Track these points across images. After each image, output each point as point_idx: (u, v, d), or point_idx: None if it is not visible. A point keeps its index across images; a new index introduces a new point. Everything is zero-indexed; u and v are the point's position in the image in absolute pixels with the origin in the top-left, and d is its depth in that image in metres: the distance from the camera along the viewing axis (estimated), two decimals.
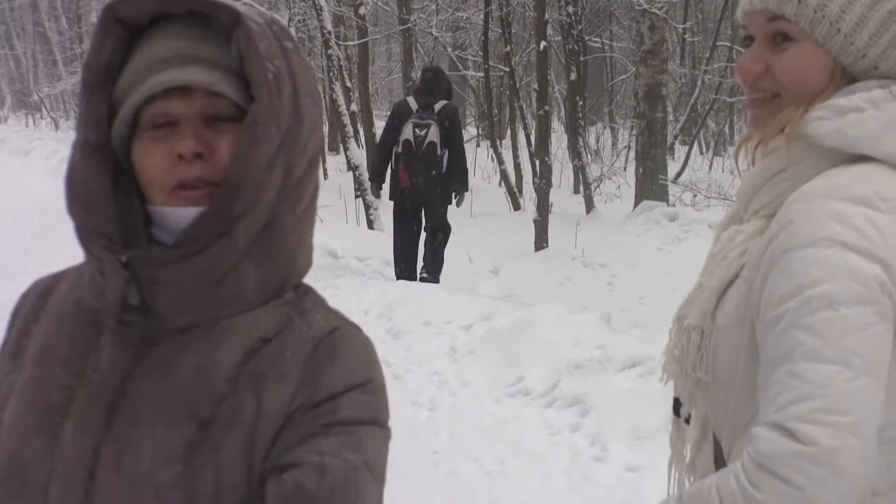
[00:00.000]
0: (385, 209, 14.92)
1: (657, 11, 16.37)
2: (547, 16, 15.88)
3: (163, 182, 1.51)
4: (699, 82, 25.26)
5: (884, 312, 1.75)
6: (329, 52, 17.58)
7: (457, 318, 8.80)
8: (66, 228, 1.56)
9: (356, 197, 16.92)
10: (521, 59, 28.18)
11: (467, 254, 13.64)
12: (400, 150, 11.34)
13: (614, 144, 29.50)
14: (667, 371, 2.23)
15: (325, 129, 23.71)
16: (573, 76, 21.18)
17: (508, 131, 26.31)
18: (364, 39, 23.81)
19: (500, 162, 21.31)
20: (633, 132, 19.85)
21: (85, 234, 1.54)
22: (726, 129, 31.38)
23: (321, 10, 16.46)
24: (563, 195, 21.38)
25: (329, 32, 17.27)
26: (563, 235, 15.23)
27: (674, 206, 17.01)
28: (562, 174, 23.39)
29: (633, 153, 20.42)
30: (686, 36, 29.47)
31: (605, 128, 31.71)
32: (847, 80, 1.96)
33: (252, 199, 1.49)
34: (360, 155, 16.69)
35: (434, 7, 25.01)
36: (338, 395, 1.53)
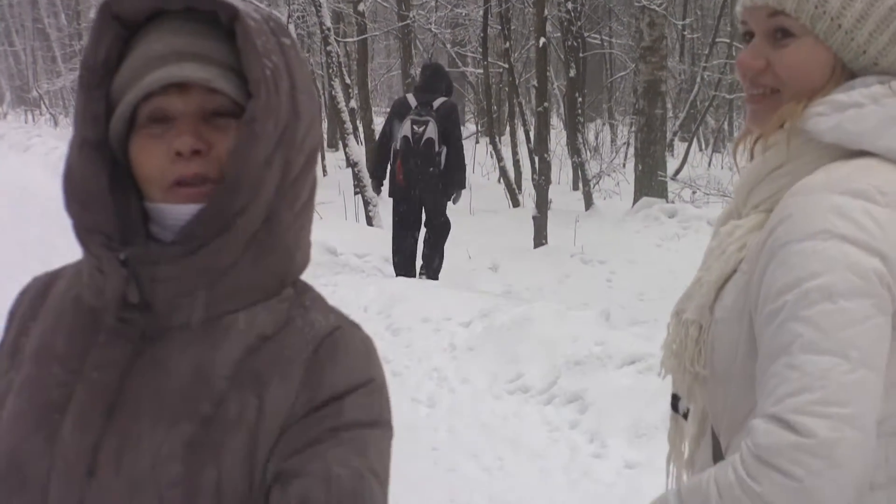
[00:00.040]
0: (384, 206, 14.92)
1: (656, 8, 16.35)
2: (546, 12, 15.88)
3: (161, 179, 1.50)
4: (698, 79, 25.25)
5: (882, 305, 1.75)
6: (328, 48, 17.58)
7: (456, 314, 8.80)
8: (65, 225, 1.55)
9: (355, 193, 16.93)
10: (521, 56, 28.16)
11: (466, 250, 13.64)
12: (398, 146, 11.35)
13: (613, 141, 29.49)
14: (665, 365, 2.24)
15: (325, 125, 23.72)
16: (572, 73, 21.16)
17: (507, 128, 26.30)
18: (363, 36, 23.84)
19: (500, 158, 21.31)
20: (633, 129, 19.85)
21: (83, 232, 1.53)
22: (725, 126, 31.38)
23: (320, 6, 16.46)
24: (562, 192, 21.38)
25: (328, 29, 17.27)
26: (562, 232, 15.22)
27: (673, 202, 16.99)
28: (561, 171, 23.39)
29: (632, 150, 20.41)
30: (685, 32, 29.45)
31: (604, 124, 31.70)
32: (847, 76, 1.97)
33: (250, 195, 1.49)
34: (359, 151, 16.69)
35: (433, 3, 25.07)
36: (340, 396, 1.53)
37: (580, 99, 22.10)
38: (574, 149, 20.90)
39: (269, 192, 1.52)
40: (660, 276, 11.55)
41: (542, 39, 15.77)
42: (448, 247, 12.03)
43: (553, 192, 16.84)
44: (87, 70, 1.55)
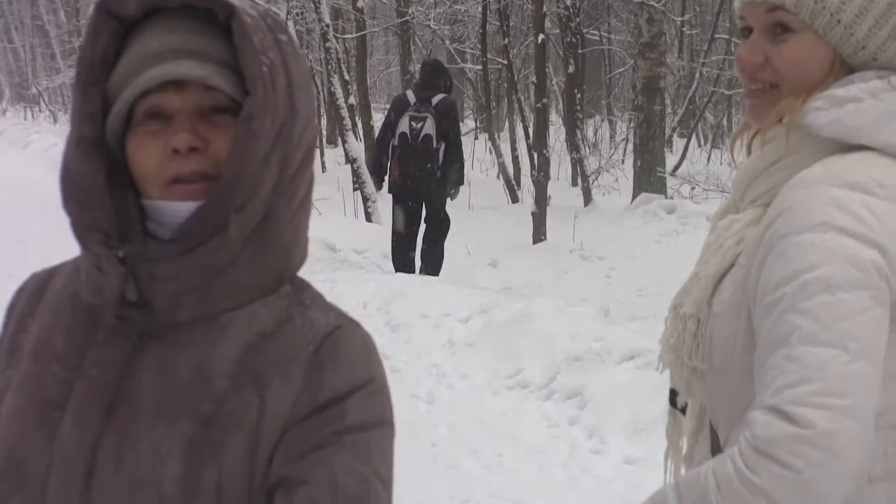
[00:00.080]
0: (383, 202, 14.93)
1: (655, 4, 16.35)
2: (545, 8, 15.88)
3: (158, 176, 1.50)
4: (697, 75, 25.24)
5: (881, 297, 1.76)
6: (327, 45, 17.59)
7: (455, 310, 8.80)
8: (64, 221, 1.55)
9: (354, 189, 16.93)
10: (519, 52, 28.14)
11: (465, 247, 13.64)
12: (396, 143, 11.36)
13: (612, 137, 29.46)
14: (663, 360, 2.24)
15: (324, 122, 23.73)
16: (571, 69, 21.17)
17: (506, 124, 26.30)
18: (362, 32, 23.82)
19: (499, 155, 21.31)
20: (631, 125, 19.85)
21: (81, 230, 1.53)
22: (724, 122, 31.35)
23: (319, 2, 16.45)
24: (561, 188, 21.38)
25: (327, 25, 17.27)
26: (561, 228, 15.22)
27: (672, 198, 17.00)
28: (560, 167, 23.39)
29: (631, 146, 20.44)
30: (684, 28, 29.42)
31: (603, 120, 31.68)
32: (846, 71, 1.97)
33: (249, 193, 1.49)
34: (358, 148, 16.69)
35: (432, 0, 25.00)
36: (342, 397, 1.53)
37: (579, 95, 22.10)
38: (573, 145, 20.91)
39: (267, 190, 1.52)
40: (659, 272, 11.55)
41: (541, 36, 15.76)
42: (447, 243, 12.03)
43: (552, 189, 16.83)
44: (83, 67, 1.54)
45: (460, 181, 11.84)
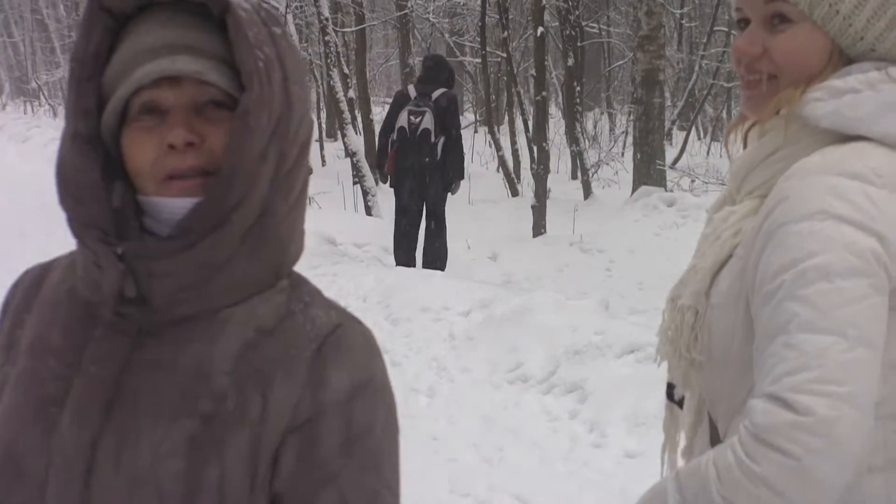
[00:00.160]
0: (383, 195, 14.94)
1: None
2: (544, 1, 15.84)
3: (154, 172, 1.50)
4: (696, 67, 25.28)
5: (879, 285, 1.76)
6: (326, 38, 17.59)
7: (455, 304, 8.80)
8: (63, 216, 1.55)
9: (354, 183, 16.94)
10: (519, 45, 28.16)
11: (465, 240, 13.64)
12: (395, 137, 11.38)
13: (612, 130, 29.47)
14: (661, 352, 2.24)
15: (323, 115, 23.71)
16: (570, 62, 21.17)
17: (506, 117, 26.27)
18: (361, 26, 23.85)
19: (498, 148, 21.29)
20: (631, 118, 19.83)
21: (79, 226, 1.52)
22: (724, 115, 31.35)
23: None
24: (560, 181, 21.39)
25: (326, 19, 17.26)
26: (561, 221, 15.23)
27: (672, 191, 16.98)
28: (559, 160, 23.40)
29: (630, 139, 20.40)
30: (683, 21, 29.45)
31: (602, 113, 31.70)
32: (844, 61, 1.97)
33: (246, 189, 1.48)
34: (357, 141, 16.70)
35: None
36: (346, 398, 1.53)
37: (578, 88, 22.12)
38: (572, 138, 20.91)
39: (264, 186, 1.51)
40: (659, 265, 11.53)
41: (541, 28, 15.76)
42: (447, 237, 12.03)
43: (552, 182, 16.84)
44: (77, 63, 1.54)
45: (461, 175, 11.85)
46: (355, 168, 16.03)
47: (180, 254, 1.48)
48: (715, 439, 2.10)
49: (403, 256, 11.80)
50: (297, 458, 1.50)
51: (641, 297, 10.72)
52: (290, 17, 17.53)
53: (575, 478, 5.83)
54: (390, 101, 12.18)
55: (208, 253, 1.49)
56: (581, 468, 5.94)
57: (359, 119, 22.45)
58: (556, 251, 13.58)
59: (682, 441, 2.34)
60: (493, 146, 22.18)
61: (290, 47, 1.58)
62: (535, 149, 16.65)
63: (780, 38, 1.97)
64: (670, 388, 2.31)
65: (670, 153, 21.05)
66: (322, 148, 25.98)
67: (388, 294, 9.46)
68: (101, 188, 1.51)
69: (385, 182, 11.93)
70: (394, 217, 11.99)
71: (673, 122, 26.28)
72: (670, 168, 18.74)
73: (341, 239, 12.77)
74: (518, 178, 21.19)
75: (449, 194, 11.88)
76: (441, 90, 11.40)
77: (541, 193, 15.21)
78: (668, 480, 1.89)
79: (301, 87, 1.58)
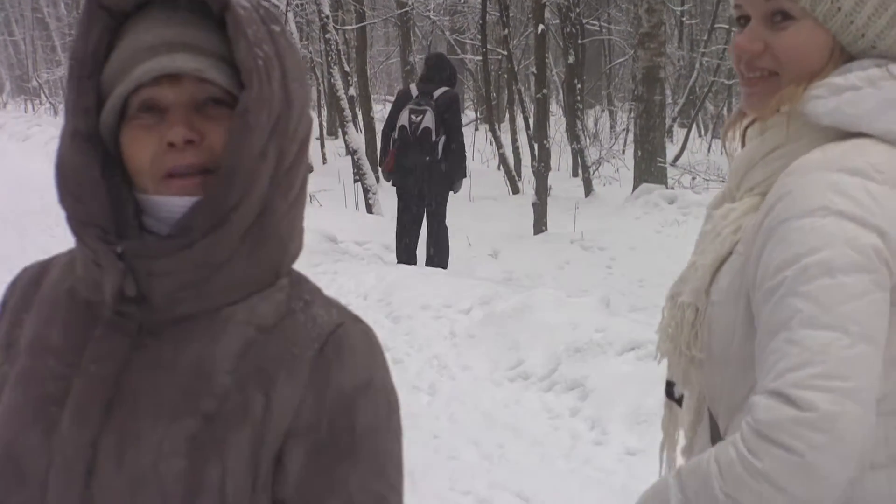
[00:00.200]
0: (384, 193, 14.96)
1: None
2: None
3: (153, 170, 1.49)
4: (697, 65, 25.29)
5: (881, 281, 1.75)
6: (327, 36, 17.60)
7: (456, 302, 8.79)
8: (63, 214, 1.55)
9: (355, 181, 16.96)
10: (520, 43, 28.17)
11: (466, 237, 13.64)
12: (396, 136, 11.41)
13: (613, 127, 29.50)
14: (661, 350, 2.24)
15: (324, 113, 23.71)
16: (571, 59, 21.18)
17: (507, 115, 26.33)
18: (362, 24, 23.86)
19: (499, 145, 21.31)
20: (632, 115, 19.85)
21: (78, 225, 1.52)
22: (725, 112, 31.33)
23: None
24: (561, 178, 21.41)
25: (327, 17, 17.29)
26: (561, 219, 15.24)
27: (673, 188, 17.02)
28: (560, 157, 23.40)
29: (631, 136, 20.44)
30: (684, 18, 29.44)
31: (603, 111, 31.71)
32: (845, 59, 1.96)
33: (246, 187, 1.48)
34: (358, 139, 16.71)
35: None
36: (349, 399, 1.53)
37: (579, 85, 22.12)
38: (573, 135, 20.93)
39: (263, 184, 1.51)
40: (660, 262, 11.54)
41: (541, 26, 15.77)
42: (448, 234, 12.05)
43: (552, 179, 16.86)
44: (76, 61, 1.53)
45: (463, 173, 11.86)
46: (356, 166, 16.05)
47: (180, 253, 1.48)
48: (716, 437, 2.10)
49: (405, 254, 11.81)
50: (304, 465, 1.50)
51: (642, 295, 10.73)
52: (290, 15, 17.54)
53: (576, 475, 5.83)
54: (391, 98, 12.26)
55: (208, 252, 1.49)
56: (582, 465, 5.94)
57: (360, 117, 22.47)
58: (556, 248, 13.59)
59: (682, 439, 2.33)
60: (493, 144, 22.20)
61: (288, 45, 1.57)
62: (535, 146, 16.68)
63: (781, 35, 1.97)
64: (669, 385, 2.31)
65: (671, 150, 21.06)
66: (323, 146, 26.00)
67: (388, 292, 9.45)
68: (100, 186, 1.50)
69: (388, 180, 11.94)
70: (396, 215, 12.00)
71: (674, 120, 26.30)
72: (671, 165, 18.75)
73: (342, 237, 12.78)
74: (519, 175, 21.21)
75: (451, 192, 11.88)
76: (443, 89, 11.41)
77: (542, 191, 15.22)
78: (669, 478, 1.89)
79: (300, 85, 1.58)
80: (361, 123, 22.92)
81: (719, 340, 2.02)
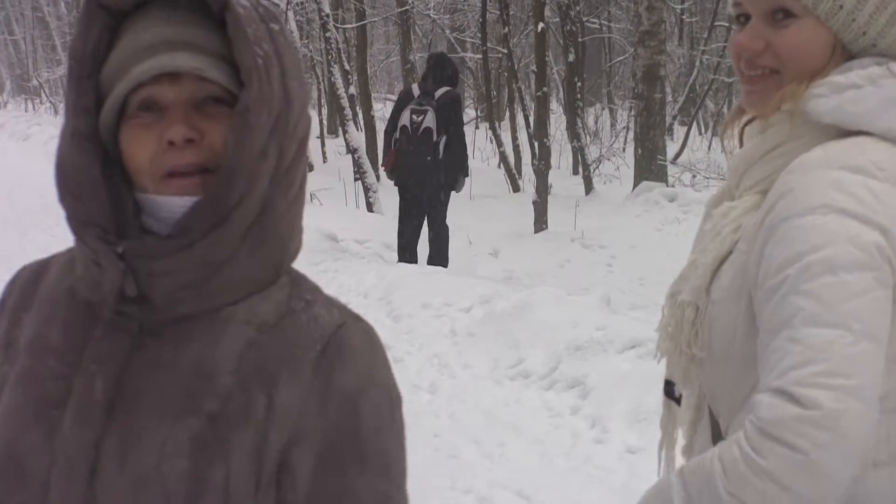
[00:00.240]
0: (384, 192, 14.96)
1: None
2: None
3: (152, 169, 1.49)
4: (697, 63, 25.29)
5: (883, 279, 1.75)
6: (327, 35, 17.61)
7: (456, 300, 8.80)
8: (63, 214, 1.55)
9: (355, 180, 16.96)
10: (520, 41, 28.16)
11: (467, 236, 13.65)
12: (398, 136, 11.43)
13: (613, 125, 29.51)
14: (661, 348, 2.24)
15: (325, 112, 23.72)
16: (571, 57, 21.17)
17: (507, 113, 26.34)
18: (362, 22, 23.87)
19: (499, 144, 21.31)
20: (632, 113, 19.84)
21: (78, 225, 1.51)
22: (725, 110, 31.29)
23: None
24: (562, 176, 21.40)
25: (327, 15, 17.29)
26: (562, 217, 15.24)
27: (673, 186, 17.01)
28: (561, 155, 23.39)
29: (631, 134, 20.44)
30: (684, 16, 29.46)
31: (603, 109, 31.73)
32: (846, 57, 1.97)
33: (246, 186, 1.48)
34: (358, 138, 16.73)
35: None
36: (352, 401, 1.53)
37: (579, 83, 22.13)
38: (574, 133, 20.93)
39: (264, 183, 1.50)
40: (660, 260, 11.54)
41: (541, 24, 15.77)
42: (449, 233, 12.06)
43: (553, 177, 16.86)
44: (75, 61, 1.53)
45: (465, 172, 11.87)
46: (356, 164, 16.05)
47: (181, 252, 1.47)
48: (717, 436, 2.10)
49: (406, 253, 11.83)
50: (313, 471, 1.50)
51: (643, 293, 10.74)
52: (290, 14, 17.55)
53: (576, 474, 5.83)
54: (391, 97, 12.31)
55: (209, 251, 1.48)
56: (582, 464, 5.93)
57: (360, 115, 22.48)
58: (557, 247, 13.60)
59: (682, 438, 2.33)
60: (494, 142, 22.20)
61: (287, 44, 1.57)
62: (536, 144, 16.68)
63: (783, 33, 1.96)
64: (668, 385, 2.31)
65: (671, 148, 21.06)
66: (323, 144, 26.00)
67: (389, 290, 9.46)
68: (101, 186, 1.50)
69: (391, 179, 11.96)
70: (396, 214, 12.02)
71: (674, 118, 26.29)
72: (671, 163, 18.77)
73: (342, 235, 12.79)
74: (519, 173, 21.21)
75: (453, 192, 11.89)
76: (444, 89, 11.44)
77: (542, 189, 15.22)
78: (671, 477, 1.88)
79: (299, 84, 1.58)
80: (362, 122, 22.93)
81: (720, 339, 2.02)
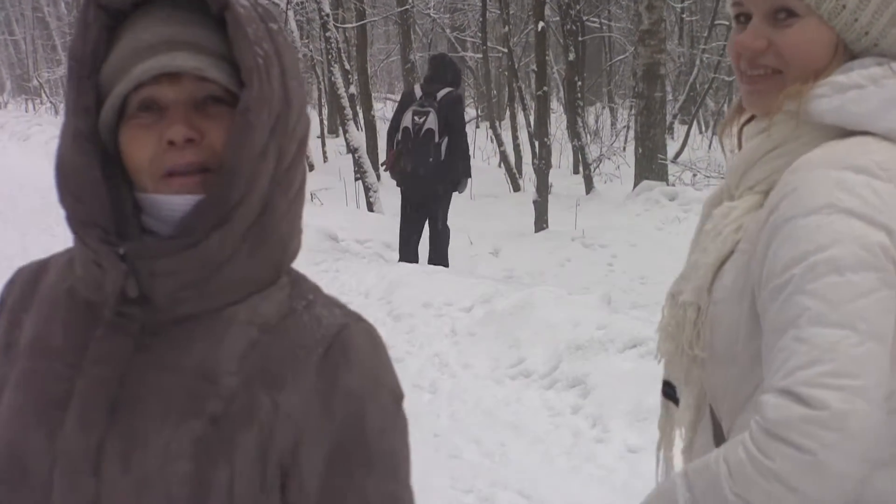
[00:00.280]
0: (385, 191, 14.96)
1: None
2: None
3: (152, 169, 1.48)
4: (697, 61, 25.28)
5: (888, 279, 1.75)
6: (327, 34, 17.61)
7: (457, 300, 8.80)
8: (63, 214, 1.55)
9: (356, 179, 16.97)
10: (520, 40, 28.15)
11: (467, 235, 13.64)
12: (399, 137, 11.44)
13: (613, 124, 29.52)
14: (661, 349, 2.23)
15: (325, 111, 23.73)
16: (572, 56, 21.17)
17: (507, 112, 26.33)
18: (362, 22, 23.88)
19: (500, 143, 21.33)
20: (632, 112, 19.84)
21: (79, 225, 1.51)
22: (725, 108, 31.26)
23: None
24: (562, 175, 21.41)
25: (327, 15, 17.29)
26: (562, 216, 15.25)
27: (673, 185, 17.01)
28: (561, 155, 23.40)
29: (632, 133, 20.43)
30: (684, 15, 29.45)
31: (603, 108, 31.72)
32: (847, 57, 1.96)
33: (248, 186, 1.48)
34: (359, 137, 16.74)
35: None
36: (357, 402, 1.53)
37: (580, 83, 22.13)
38: (574, 132, 20.93)
39: (264, 183, 1.50)
40: (661, 260, 11.54)
41: (541, 23, 15.78)
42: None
43: (553, 176, 16.87)
44: (75, 61, 1.52)
45: (467, 173, 11.89)
46: (357, 164, 16.05)
47: (183, 252, 1.47)
48: (718, 436, 2.09)
49: (407, 255, 11.83)
50: (322, 475, 1.50)
51: (643, 292, 10.74)
52: (290, 14, 17.56)
53: (577, 473, 5.83)
54: (392, 96, 12.34)
55: (211, 251, 1.48)
56: (583, 463, 5.94)
57: (360, 115, 22.48)
58: (557, 246, 13.60)
59: (678, 439, 2.33)
60: (494, 141, 22.22)
61: (286, 43, 1.57)
62: (536, 144, 16.70)
63: (787, 32, 1.96)
64: (666, 385, 2.30)
65: (672, 147, 21.06)
66: (324, 144, 26.01)
67: (389, 290, 9.46)
68: (101, 186, 1.49)
69: (393, 178, 11.97)
70: (396, 213, 12.04)
71: (674, 117, 26.28)
72: (672, 162, 18.77)
73: (343, 235, 12.80)
74: (520, 173, 21.23)
75: (455, 193, 11.91)
76: (446, 90, 11.45)
77: (542, 188, 15.23)
78: (676, 477, 1.88)
79: (298, 83, 1.57)
80: (362, 121, 22.94)
81: (723, 339, 2.01)
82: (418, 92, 11.60)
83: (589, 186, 18.99)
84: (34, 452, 1.50)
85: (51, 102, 41.10)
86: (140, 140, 1.49)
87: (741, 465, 1.71)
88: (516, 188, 20.43)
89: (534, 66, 17.93)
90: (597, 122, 28.50)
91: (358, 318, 1.62)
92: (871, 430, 1.68)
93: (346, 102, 17.02)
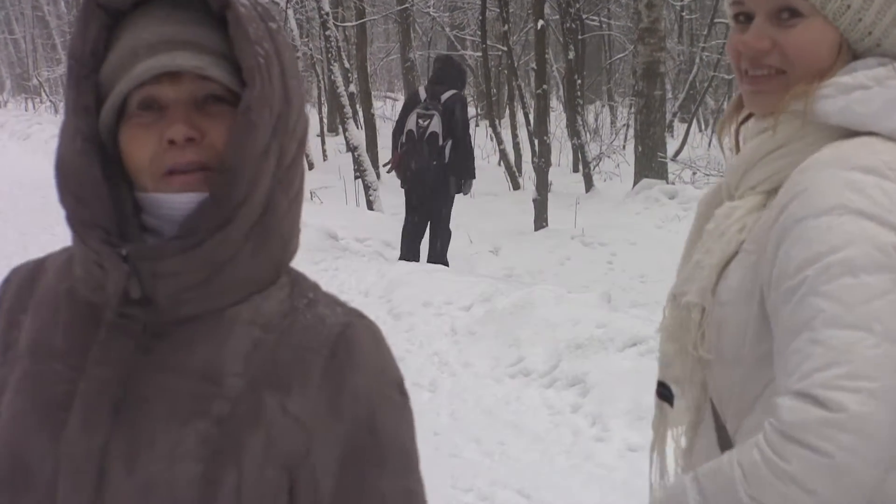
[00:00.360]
0: (384, 190, 14.96)
1: None
2: None
3: (153, 168, 1.48)
4: (697, 59, 25.29)
5: None
6: (327, 33, 17.60)
7: (457, 298, 8.81)
8: (63, 213, 1.54)
9: (356, 178, 16.97)
10: (519, 39, 28.15)
11: (467, 234, 13.64)
12: (404, 139, 11.46)
13: (613, 123, 29.51)
14: (663, 350, 2.22)
15: (325, 110, 23.73)
16: (571, 55, 21.19)
17: (507, 111, 26.34)
18: (362, 20, 23.89)
19: (499, 141, 21.33)
20: (632, 110, 19.84)
21: (79, 226, 1.50)
22: (725, 106, 31.18)
23: None
24: (562, 174, 21.41)
25: (327, 13, 17.28)
26: (562, 214, 15.25)
27: (673, 183, 17.02)
28: (561, 153, 23.40)
29: (631, 131, 20.44)
30: (684, 13, 29.45)
31: (603, 106, 31.71)
32: (850, 57, 1.96)
33: (250, 186, 1.47)
34: (358, 136, 16.73)
35: None
36: (366, 401, 1.53)
37: (579, 81, 22.15)
38: (574, 131, 20.94)
39: (266, 182, 1.50)
40: (661, 258, 11.52)
41: (541, 22, 15.79)
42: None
43: (553, 175, 16.87)
44: (75, 61, 1.52)
45: (472, 175, 11.91)
46: (356, 162, 16.05)
47: (186, 253, 1.46)
48: (723, 437, 2.08)
49: (408, 252, 11.85)
50: (337, 476, 1.50)
51: (643, 290, 10.75)
52: (290, 12, 17.55)
53: (577, 472, 5.83)
54: (391, 95, 12.38)
55: (213, 252, 1.48)
56: (583, 462, 5.94)
57: (360, 113, 22.49)
58: (557, 244, 13.61)
59: (671, 440, 2.32)
60: (494, 140, 22.21)
61: (285, 42, 1.56)
62: (536, 142, 16.69)
63: (791, 32, 1.95)
64: (661, 386, 2.30)
65: (671, 145, 21.05)
66: (323, 142, 26.01)
67: (389, 289, 9.47)
68: (102, 186, 1.49)
69: (398, 178, 12.00)
70: (396, 212, 12.07)
71: (674, 115, 26.29)
72: (672, 160, 18.77)
73: (343, 234, 12.79)
74: (519, 171, 21.23)
75: (459, 194, 11.94)
76: (451, 92, 11.49)
77: (542, 187, 15.24)
78: (686, 480, 1.86)
79: (297, 82, 1.57)
80: (362, 120, 22.95)
81: (730, 340, 2.00)
82: (423, 94, 11.64)
83: (589, 185, 18.99)
84: (37, 455, 1.49)
85: (50, 101, 41.13)
86: (140, 139, 1.48)
87: (756, 467, 1.70)
88: (516, 186, 20.43)
89: (533, 65, 17.92)
90: (596, 120, 28.50)
91: (360, 316, 1.62)
92: (890, 431, 1.67)
93: (345, 101, 17.02)
